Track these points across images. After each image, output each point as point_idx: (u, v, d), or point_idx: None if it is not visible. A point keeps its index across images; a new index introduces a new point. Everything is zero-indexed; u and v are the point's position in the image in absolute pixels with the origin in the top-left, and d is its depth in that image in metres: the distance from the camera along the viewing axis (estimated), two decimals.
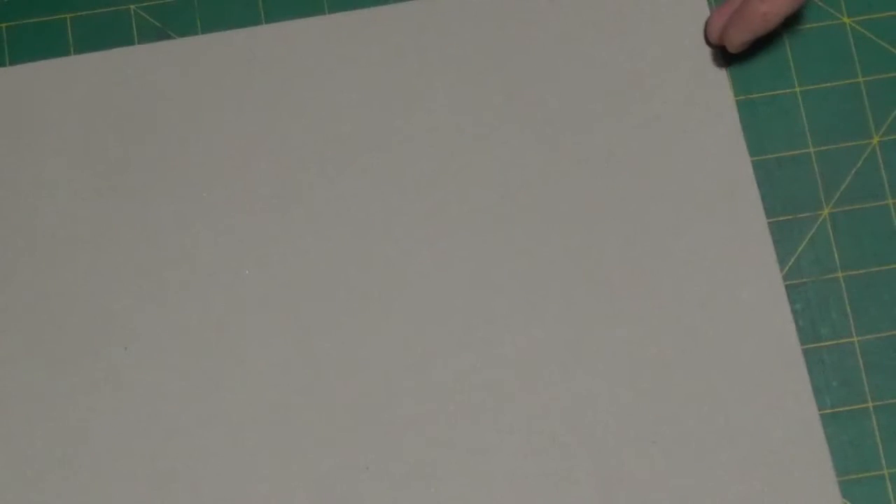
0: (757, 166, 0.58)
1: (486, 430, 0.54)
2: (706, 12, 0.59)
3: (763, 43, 0.60)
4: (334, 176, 0.57)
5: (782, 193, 0.58)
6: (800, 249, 0.57)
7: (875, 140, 0.58)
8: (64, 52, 0.60)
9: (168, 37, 0.60)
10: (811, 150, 0.58)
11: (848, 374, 0.56)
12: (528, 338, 0.55)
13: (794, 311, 0.56)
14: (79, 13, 0.61)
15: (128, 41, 0.60)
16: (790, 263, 0.57)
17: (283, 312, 0.56)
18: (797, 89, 0.59)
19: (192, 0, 0.61)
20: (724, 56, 0.59)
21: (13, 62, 0.60)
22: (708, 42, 0.58)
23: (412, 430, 0.54)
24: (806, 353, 0.56)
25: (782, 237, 0.57)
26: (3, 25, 0.60)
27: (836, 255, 0.57)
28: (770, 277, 0.56)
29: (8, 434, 0.54)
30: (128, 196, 0.57)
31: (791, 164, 0.58)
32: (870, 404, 0.55)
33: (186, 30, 0.60)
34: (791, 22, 0.59)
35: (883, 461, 0.54)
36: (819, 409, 0.55)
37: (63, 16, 0.61)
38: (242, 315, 0.56)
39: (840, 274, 0.57)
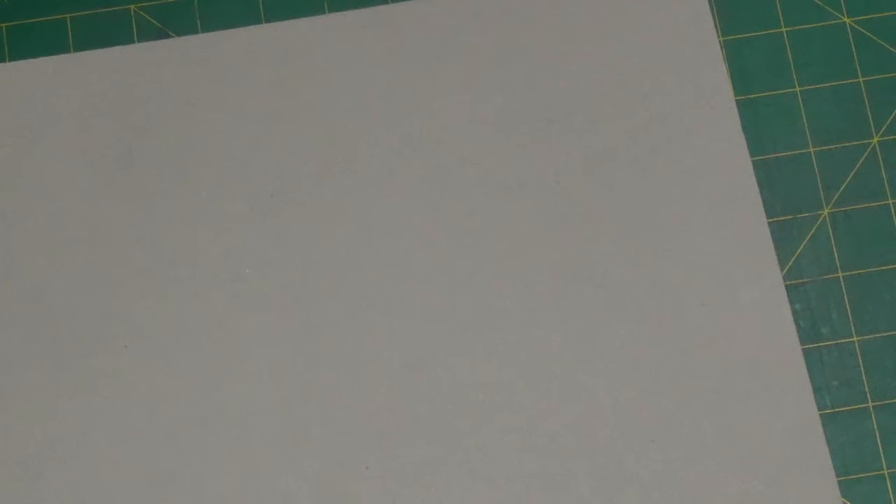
0: (757, 166, 0.58)
1: (486, 430, 0.54)
2: (707, 12, 0.59)
3: (763, 43, 0.60)
4: (335, 175, 0.57)
5: (782, 193, 0.58)
6: (800, 249, 0.57)
7: (875, 140, 0.58)
8: (64, 52, 0.60)
9: (168, 37, 0.60)
10: (811, 150, 0.58)
11: (848, 374, 0.56)
12: (528, 337, 0.55)
13: (794, 311, 0.56)
14: (79, 13, 0.61)
15: (128, 41, 0.60)
16: (790, 263, 0.57)
17: (284, 312, 0.56)
18: (797, 89, 0.59)
19: (192, 0, 0.61)
20: (724, 56, 0.59)
21: (13, 61, 0.60)
22: None
23: (412, 430, 0.54)
24: (806, 353, 0.56)
25: (782, 237, 0.57)
26: (3, 25, 0.60)
27: (836, 255, 0.57)
28: (770, 277, 0.56)
29: (8, 433, 0.54)
30: (128, 195, 0.57)
31: (791, 164, 0.58)
32: (870, 404, 0.55)
33: (186, 29, 0.60)
34: None
35: (883, 461, 0.54)
36: (819, 409, 0.55)
37: (63, 16, 0.61)
38: (242, 314, 0.56)
39: (840, 274, 0.57)
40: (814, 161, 0.58)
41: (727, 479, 0.53)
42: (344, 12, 0.60)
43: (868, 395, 0.55)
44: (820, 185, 0.58)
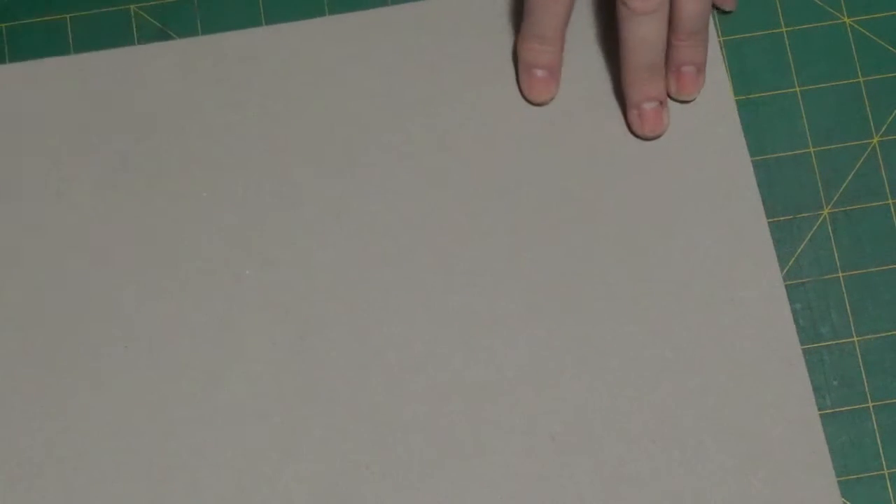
0: (757, 166, 0.58)
1: (487, 430, 0.54)
2: None
3: (763, 43, 0.60)
4: (334, 176, 0.57)
5: (782, 193, 0.58)
6: (800, 249, 0.57)
7: (875, 140, 0.58)
8: (64, 52, 0.60)
9: (168, 37, 0.60)
10: (811, 150, 0.58)
11: (848, 374, 0.56)
12: (528, 338, 0.55)
13: (794, 311, 0.56)
14: (79, 13, 0.61)
15: (128, 41, 0.60)
16: (790, 263, 0.57)
17: (284, 312, 0.56)
18: (797, 89, 0.59)
19: (192, 0, 0.61)
20: (724, 56, 0.59)
21: (13, 62, 0.60)
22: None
23: (413, 430, 0.54)
24: (806, 353, 0.55)
25: (782, 237, 0.57)
26: (3, 25, 0.60)
27: (836, 255, 0.57)
28: (770, 277, 0.56)
29: (7, 433, 0.54)
30: (128, 195, 0.57)
31: (791, 164, 0.58)
32: (870, 404, 0.55)
33: (186, 30, 0.60)
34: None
35: (883, 461, 0.54)
36: (819, 409, 0.55)
37: (63, 16, 0.61)
38: (243, 315, 0.56)
39: (840, 274, 0.57)
40: (814, 161, 0.58)
41: (727, 478, 0.53)
42: (344, 14, 0.60)
43: (868, 395, 0.55)
44: (820, 185, 0.58)
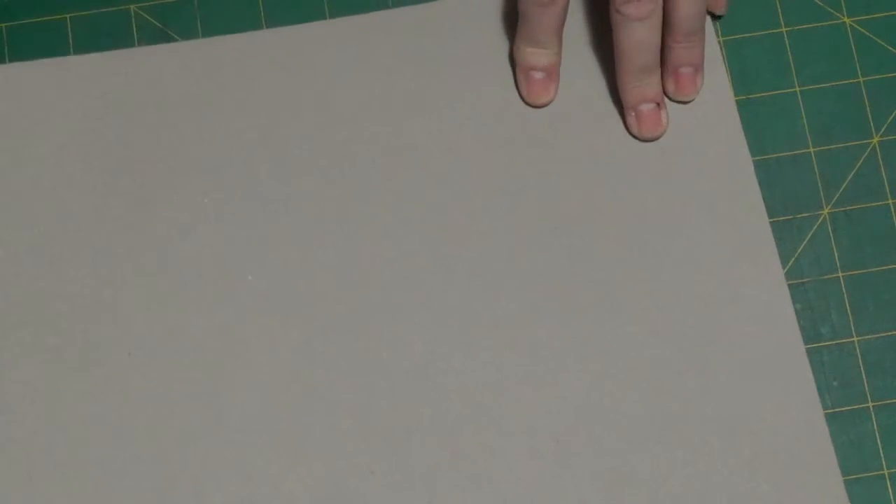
0: (757, 166, 0.58)
1: (489, 432, 0.54)
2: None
3: (763, 43, 0.60)
4: (336, 180, 0.57)
5: (782, 193, 0.58)
6: (800, 249, 0.57)
7: (875, 140, 0.58)
8: (64, 52, 0.60)
9: (168, 37, 0.60)
10: (811, 150, 0.58)
11: (848, 374, 0.56)
12: (530, 338, 0.55)
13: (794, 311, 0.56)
14: (79, 13, 0.61)
15: (128, 41, 0.60)
16: (790, 263, 0.57)
17: (287, 317, 0.56)
18: (797, 89, 0.59)
19: (192, 0, 0.61)
20: (724, 56, 0.59)
21: (13, 62, 0.60)
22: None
23: (416, 434, 0.54)
24: (806, 353, 0.56)
25: (782, 237, 0.57)
26: (3, 25, 0.60)
27: (836, 255, 0.57)
28: (773, 277, 0.56)
29: (13, 439, 0.54)
30: (129, 200, 0.57)
31: (791, 164, 0.58)
32: (870, 404, 0.55)
33: (186, 30, 0.60)
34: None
35: (883, 461, 0.55)
36: None
37: (63, 16, 0.61)
38: (246, 320, 0.56)
39: (840, 274, 0.57)
40: (814, 161, 0.58)
41: (731, 478, 0.53)
42: (344, 17, 0.60)
43: (868, 395, 0.55)
44: (820, 185, 0.58)
